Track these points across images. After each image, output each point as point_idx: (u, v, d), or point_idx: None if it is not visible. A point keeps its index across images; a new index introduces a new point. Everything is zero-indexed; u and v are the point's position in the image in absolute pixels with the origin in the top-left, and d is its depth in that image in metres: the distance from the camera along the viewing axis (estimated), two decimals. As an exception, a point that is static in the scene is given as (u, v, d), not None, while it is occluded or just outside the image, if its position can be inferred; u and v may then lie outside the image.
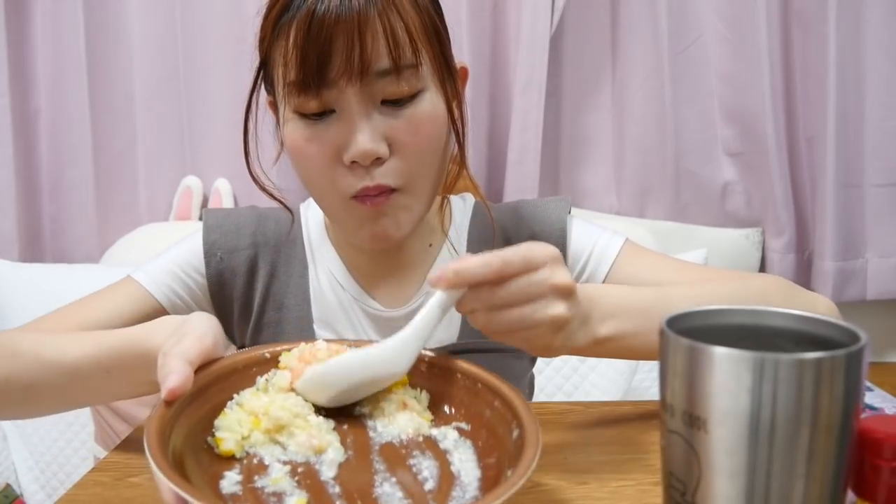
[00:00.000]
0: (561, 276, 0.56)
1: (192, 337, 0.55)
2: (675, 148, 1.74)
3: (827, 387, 0.39)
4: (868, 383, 1.60)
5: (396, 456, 0.53)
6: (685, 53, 1.72)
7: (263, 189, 0.79)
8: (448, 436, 0.55)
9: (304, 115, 0.70)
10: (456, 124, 0.75)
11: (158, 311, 0.80)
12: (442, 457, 0.53)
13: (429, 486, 0.50)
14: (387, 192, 0.71)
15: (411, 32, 0.68)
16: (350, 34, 0.65)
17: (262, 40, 0.72)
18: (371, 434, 0.55)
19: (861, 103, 1.64)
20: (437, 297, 0.56)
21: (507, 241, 0.84)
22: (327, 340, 0.60)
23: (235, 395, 0.55)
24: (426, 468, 0.51)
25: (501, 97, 1.76)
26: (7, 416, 0.71)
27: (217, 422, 0.53)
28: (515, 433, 0.52)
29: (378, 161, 0.70)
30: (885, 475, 0.42)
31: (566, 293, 0.56)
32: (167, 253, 0.85)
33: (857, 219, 1.68)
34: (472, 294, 0.55)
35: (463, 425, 0.57)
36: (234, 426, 0.53)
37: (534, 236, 0.84)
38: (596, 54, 1.77)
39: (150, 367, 0.59)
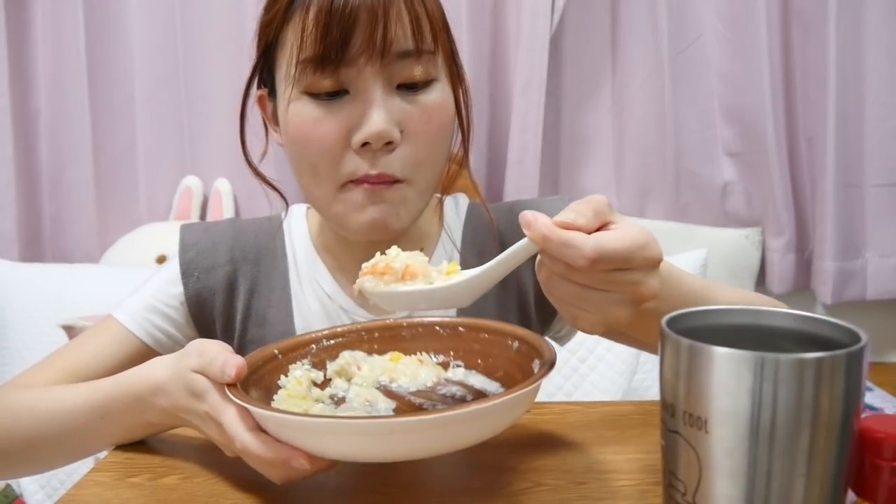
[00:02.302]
0: (649, 288, 0.52)
1: (211, 344, 0.58)
2: (675, 148, 1.74)
3: (827, 387, 0.39)
4: (868, 383, 1.60)
5: (429, 392, 0.62)
6: (685, 53, 1.72)
7: (258, 174, 0.77)
8: (457, 372, 0.65)
9: (314, 96, 0.69)
10: (463, 119, 0.75)
11: (142, 350, 0.78)
12: (462, 383, 0.63)
13: (468, 398, 0.60)
14: (389, 181, 0.70)
15: (433, 20, 0.69)
16: (374, 12, 0.65)
17: (269, 22, 0.71)
18: (398, 391, 0.62)
19: (861, 103, 1.64)
20: (523, 243, 0.53)
21: (503, 244, 0.82)
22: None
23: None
24: (456, 390, 0.62)
25: (501, 97, 1.76)
26: (9, 474, 0.72)
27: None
28: (515, 344, 0.62)
29: (388, 146, 0.69)
30: (886, 475, 0.42)
31: (640, 300, 0.53)
32: (146, 285, 0.82)
33: (857, 219, 1.68)
34: (552, 260, 0.52)
35: (459, 362, 0.66)
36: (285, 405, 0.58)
37: None
38: (596, 54, 1.77)
39: (144, 408, 0.63)
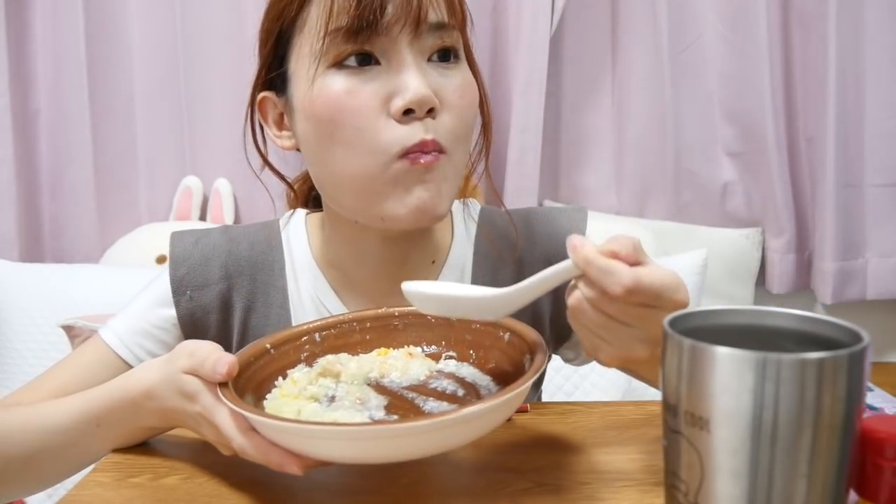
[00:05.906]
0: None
1: (203, 344, 0.58)
2: (675, 148, 1.74)
3: (829, 387, 0.39)
4: (868, 383, 1.60)
5: (420, 386, 0.61)
6: (685, 53, 1.72)
7: (266, 162, 0.75)
8: (449, 364, 0.64)
9: (343, 67, 0.66)
10: (484, 106, 0.74)
11: None
12: (453, 376, 0.62)
13: (459, 393, 0.60)
14: (439, 152, 0.66)
15: (462, 3, 0.70)
16: None
17: (287, 3, 0.68)
18: (390, 386, 0.61)
19: (861, 103, 1.65)
20: (566, 264, 0.53)
21: (518, 260, 0.79)
22: None
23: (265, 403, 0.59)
24: (447, 384, 0.61)
25: (501, 97, 1.76)
26: (12, 494, 0.71)
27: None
28: (507, 336, 0.62)
29: (431, 113, 0.66)
30: (888, 475, 0.42)
31: (659, 341, 0.52)
32: (136, 302, 0.79)
33: (857, 219, 1.68)
34: (587, 286, 0.53)
35: (452, 353, 0.66)
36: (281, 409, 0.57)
37: (548, 259, 0.74)
38: (596, 54, 1.77)
39: (138, 413, 0.63)
